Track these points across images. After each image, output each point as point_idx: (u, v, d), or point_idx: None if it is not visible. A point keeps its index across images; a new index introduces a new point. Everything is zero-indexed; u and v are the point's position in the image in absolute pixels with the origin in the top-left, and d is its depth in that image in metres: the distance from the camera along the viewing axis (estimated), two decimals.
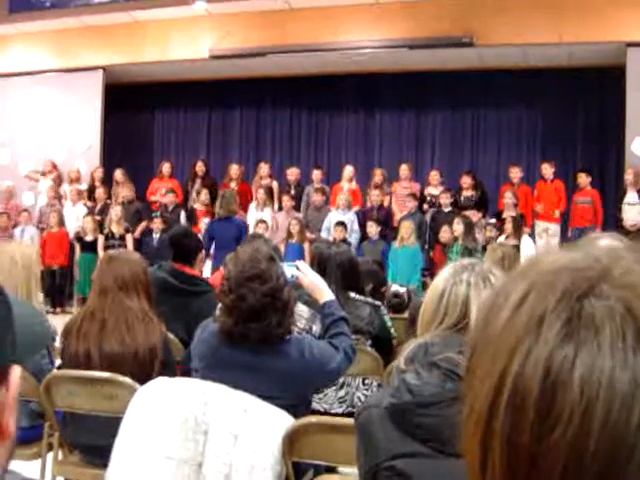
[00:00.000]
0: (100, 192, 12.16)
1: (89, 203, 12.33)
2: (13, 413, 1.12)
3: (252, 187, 12.25)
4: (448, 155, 13.26)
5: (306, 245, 10.41)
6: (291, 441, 2.61)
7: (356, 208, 11.34)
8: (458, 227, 9.74)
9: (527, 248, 9.52)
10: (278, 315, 2.75)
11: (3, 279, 3.44)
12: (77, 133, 12.94)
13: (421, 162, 13.25)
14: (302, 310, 3.86)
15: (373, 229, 10.43)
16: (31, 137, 13.13)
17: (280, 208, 11.72)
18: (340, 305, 3.29)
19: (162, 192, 12.14)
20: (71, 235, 11.62)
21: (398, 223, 10.67)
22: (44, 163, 12.75)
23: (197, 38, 12.24)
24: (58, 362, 3.62)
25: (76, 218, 11.84)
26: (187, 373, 3.10)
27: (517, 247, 8.65)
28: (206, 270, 8.71)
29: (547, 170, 11.05)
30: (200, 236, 7.33)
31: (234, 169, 12.38)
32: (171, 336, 3.70)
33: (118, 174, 12.52)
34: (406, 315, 5.02)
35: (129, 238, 11.13)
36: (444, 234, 10.14)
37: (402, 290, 6.35)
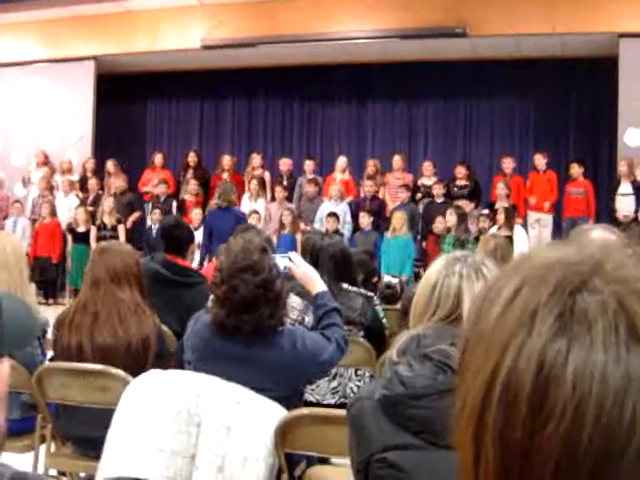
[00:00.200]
0: (92, 183, 12.14)
1: (81, 194, 12.29)
2: (3, 407, 1.11)
3: (244, 178, 12.23)
4: (441, 145, 13.26)
5: (298, 236, 10.41)
6: (284, 433, 2.61)
7: (349, 199, 11.34)
8: (451, 218, 9.75)
9: (519, 239, 9.54)
10: (270, 306, 2.75)
11: None
12: (69, 124, 12.89)
13: (414, 152, 13.25)
14: (295, 301, 3.86)
15: (365, 220, 10.44)
16: (22, 128, 13.07)
17: (273, 199, 11.71)
18: (333, 296, 3.29)
19: (154, 183, 12.11)
20: (63, 226, 11.58)
21: (390, 214, 10.68)
22: (36, 154, 12.70)
23: (189, 28, 12.20)
24: (50, 354, 3.61)
25: (68, 209, 11.82)
26: (180, 365, 3.10)
27: (510, 238, 8.66)
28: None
29: (540, 161, 11.06)
30: (192, 227, 7.32)
31: (226, 160, 12.37)
32: (164, 328, 3.70)
33: (110, 165, 12.49)
34: (399, 306, 5.02)
35: (121, 229, 11.11)
36: (438, 225, 10.15)
37: (394, 281, 6.36)
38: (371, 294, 4.33)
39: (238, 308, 2.72)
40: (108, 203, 11.17)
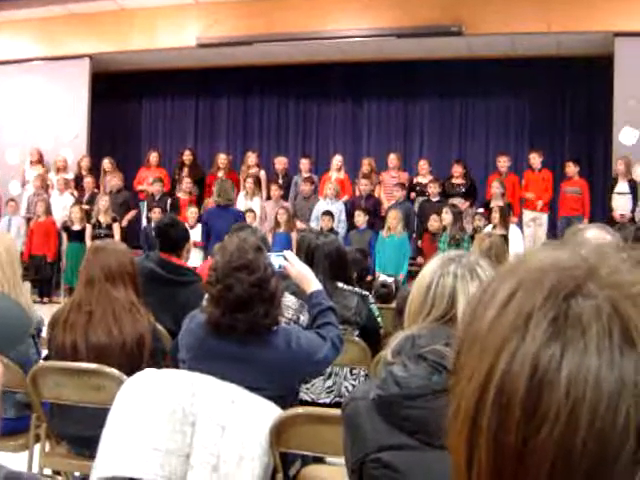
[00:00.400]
0: (88, 181, 12.11)
1: (76, 192, 12.27)
2: None
3: (240, 176, 12.22)
4: (436, 144, 13.27)
5: (294, 234, 10.40)
6: (278, 432, 2.61)
7: (345, 198, 11.35)
8: (447, 216, 9.77)
9: (515, 238, 9.56)
10: (265, 305, 2.74)
11: None
12: (64, 122, 12.86)
13: (409, 151, 13.25)
14: (290, 300, 3.85)
15: (361, 218, 10.44)
16: (17, 126, 13.04)
17: (268, 197, 11.71)
18: (328, 295, 3.29)
19: (149, 181, 12.10)
20: (58, 225, 11.56)
21: (385, 212, 10.68)
22: (30, 152, 12.67)
23: (184, 26, 12.18)
24: (45, 353, 3.60)
25: (63, 207, 11.79)
26: (175, 364, 3.10)
27: (505, 237, 8.67)
28: (197, 259, 8.72)
29: (535, 159, 11.07)
30: (187, 226, 7.31)
31: (221, 158, 12.36)
32: (159, 327, 3.69)
33: (106, 163, 12.47)
34: (394, 305, 5.02)
35: (116, 228, 11.09)
36: (433, 223, 10.17)
37: (390, 280, 6.36)
38: (366, 293, 4.33)
39: (233, 307, 2.72)
40: (103, 202, 11.15)
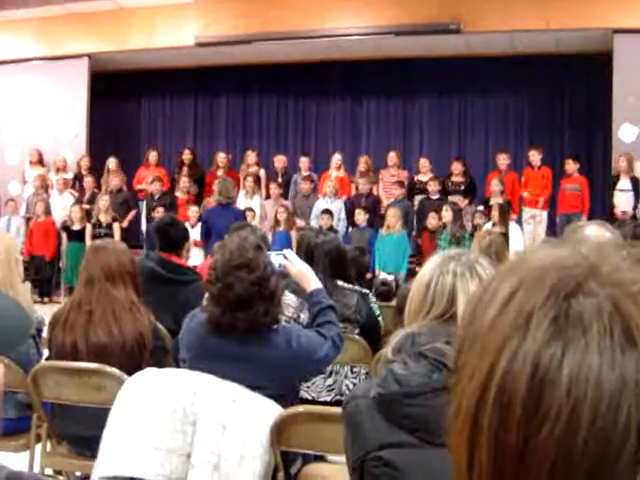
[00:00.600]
0: (88, 181, 12.10)
1: (75, 192, 12.27)
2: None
3: (239, 175, 12.22)
4: (435, 142, 13.27)
5: (293, 233, 10.41)
6: (279, 430, 2.61)
7: (344, 197, 11.35)
8: (447, 214, 9.78)
9: (515, 235, 9.56)
10: (265, 304, 2.74)
11: None
12: (63, 121, 12.86)
13: (409, 149, 13.26)
14: (290, 299, 3.86)
15: (361, 216, 10.44)
16: (16, 126, 13.04)
17: (268, 196, 11.70)
18: (328, 293, 3.29)
19: (148, 180, 12.09)
20: (58, 224, 11.56)
21: (385, 210, 10.68)
22: (30, 152, 12.67)
23: (183, 26, 12.18)
24: (47, 353, 3.60)
25: (62, 207, 11.79)
26: (176, 363, 3.10)
27: (505, 234, 8.67)
28: (197, 258, 8.72)
29: (534, 157, 11.06)
30: (187, 224, 7.31)
31: (221, 157, 12.35)
32: (159, 326, 3.69)
33: (112, 162, 12.44)
34: (394, 303, 5.02)
35: (116, 227, 11.09)
36: (431, 221, 10.17)
37: (390, 278, 6.36)
38: (366, 291, 4.33)
39: (233, 306, 2.72)
40: (104, 201, 11.15)
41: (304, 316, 3.66)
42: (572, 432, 0.51)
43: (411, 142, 13.47)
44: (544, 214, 10.93)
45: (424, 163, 11.61)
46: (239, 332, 2.74)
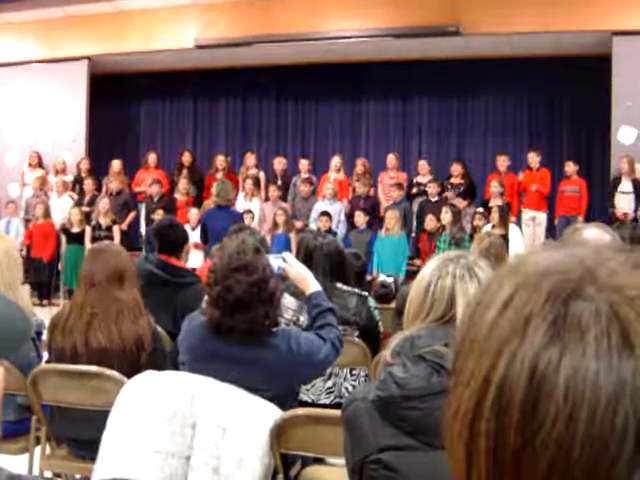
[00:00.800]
0: (89, 183, 12.10)
1: (75, 195, 12.27)
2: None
3: (239, 177, 12.22)
4: (435, 144, 13.28)
5: (292, 235, 10.41)
6: (279, 433, 2.61)
7: (345, 200, 11.35)
8: (446, 216, 9.78)
9: (514, 237, 9.55)
10: (264, 306, 2.74)
11: None
12: (62, 124, 12.87)
13: (408, 151, 13.27)
14: (289, 301, 3.86)
15: (361, 219, 10.44)
16: (16, 128, 13.04)
17: (267, 199, 11.70)
18: (327, 296, 3.29)
19: (147, 183, 12.09)
20: (57, 227, 11.56)
21: (383, 213, 10.69)
22: (30, 155, 12.67)
23: (182, 28, 12.18)
24: (46, 355, 3.60)
25: (62, 210, 11.78)
26: (175, 365, 3.10)
27: (504, 236, 8.67)
28: (197, 261, 8.71)
29: (533, 159, 11.06)
30: (187, 227, 7.30)
31: (220, 160, 12.35)
32: (159, 329, 3.69)
33: (116, 164, 12.44)
34: (393, 305, 5.03)
35: (116, 230, 11.09)
36: (429, 222, 10.17)
37: (389, 280, 6.36)
38: (365, 293, 4.33)
39: (232, 308, 2.72)
40: (103, 204, 11.15)
41: (303, 319, 3.67)
42: (569, 436, 0.51)
43: (410, 144, 13.47)
44: (543, 216, 10.93)
45: (423, 165, 11.62)
46: (238, 334, 2.74)
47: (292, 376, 2.89)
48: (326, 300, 3.16)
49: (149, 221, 11.17)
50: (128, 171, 12.78)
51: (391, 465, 1.72)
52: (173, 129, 14.59)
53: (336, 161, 11.86)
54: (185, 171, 12.39)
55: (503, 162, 11.27)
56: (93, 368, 3.17)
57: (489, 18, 10.75)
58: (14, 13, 12.32)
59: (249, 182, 11.57)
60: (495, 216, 9.68)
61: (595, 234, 2.64)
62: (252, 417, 2.58)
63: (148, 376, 2.70)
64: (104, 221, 11.06)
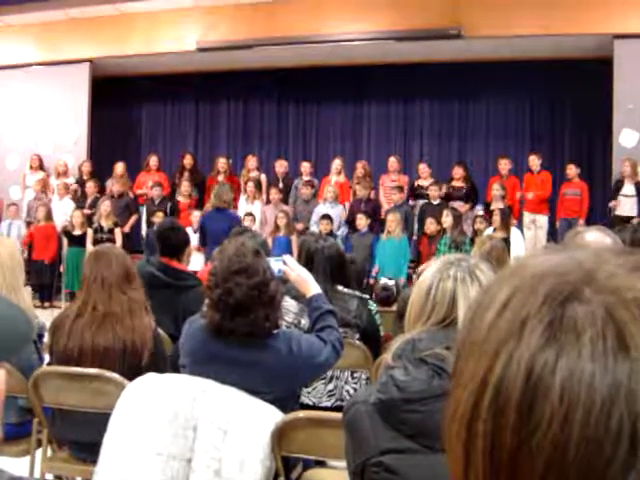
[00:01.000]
0: (90, 186, 12.11)
1: (77, 197, 12.27)
2: (1, 416, 1.11)
3: (241, 180, 12.23)
4: (437, 147, 13.29)
5: (294, 238, 10.41)
6: (280, 436, 2.61)
7: (347, 204, 11.35)
8: (447, 219, 9.77)
9: (516, 240, 9.55)
10: (265, 309, 2.74)
11: None
12: (64, 126, 12.88)
13: (410, 154, 13.28)
14: (290, 304, 3.86)
15: (362, 221, 10.44)
16: (18, 131, 13.06)
17: (269, 201, 11.70)
18: (328, 298, 3.29)
19: (148, 185, 12.10)
20: (58, 229, 11.56)
21: (384, 215, 10.68)
22: (31, 157, 12.68)
23: (184, 31, 12.20)
24: (47, 358, 3.61)
25: (63, 212, 11.79)
26: (176, 368, 3.10)
27: (506, 239, 8.67)
28: (199, 263, 8.71)
29: (534, 162, 11.06)
30: (189, 229, 7.30)
31: (221, 162, 12.35)
32: (160, 331, 3.70)
33: (119, 167, 12.44)
34: (395, 308, 5.03)
35: (118, 232, 11.09)
36: (430, 226, 10.17)
37: (391, 283, 6.36)
38: (366, 296, 4.34)
39: (233, 311, 2.72)
40: (105, 206, 11.15)
41: (305, 321, 3.67)
42: (564, 437, 0.51)
43: (412, 147, 13.48)
44: (544, 219, 10.93)
45: (424, 168, 11.61)
46: (239, 337, 2.74)
47: (293, 378, 2.89)
48: (326, 302, 3.16)
49: (150, 224, 11.18)
50: (130, 174, 12.78)
51: (392, 468, 1.72)
52: (175, 132, 14.60)
53: (337, 164, 11.86)
54: (187, 174, 12.39)
55: (505, 165, 11.26)
56: (94, 370, 3.17)
57: (490, 21, 10.76)
58: (15, 16, 12.34)
59: (250, 185, 11.58)
60: (497, 219, 9.67)
61: (596, 237, 2.64)
62: (253, 420, 2.58)
63: (149, 379, 2.70)
64: (106, 224, 11.06)
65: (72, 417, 3.28)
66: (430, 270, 1.98)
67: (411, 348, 1.83)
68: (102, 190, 12.30)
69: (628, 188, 10.16)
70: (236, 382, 2.64)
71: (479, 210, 10.81)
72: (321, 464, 3.17)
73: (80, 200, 12.13)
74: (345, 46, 11.80)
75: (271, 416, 2.62)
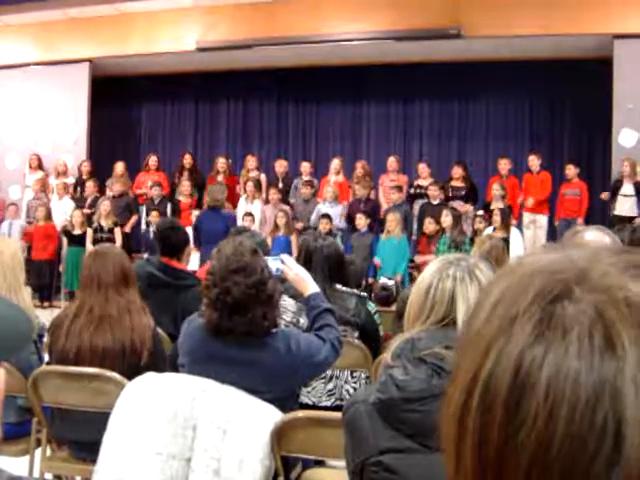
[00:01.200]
0: (90, 185, 12.11)
1: (76, 196, 12.27)
2: (0, 415, 1.11)
3: (240, 180, 12.23)
4: (436, 147, 13.29)
5: (293, 237, 10.41)
6: (279, 435, 2.61)
7: (345, 203, 11.35)
8: (447, 219, 9.77)
9: (515, 240, 9.55)
10: (263, 308, 2.74)
11: None
12: (64, 126, 12.88)
13: (409, 154, 13.28)
14: (289, 303, 3.86)
15: (362, 221, 10.43)
16: (17, 131, 13.06)
17: (268, 201, 11.71)
18: (326, 297, 3.29)
19: (148, 185, 12.10)
20: (58, 229, 11.56)
21: (384, 215, 10.68)
22: (30, 157, 12.68)
23: (183, 30, 12.19)
24: (47, 358, 3.61)
25: (63, 212, 11.79)
26: (176, 368, 3.10)
27: (505, 239, 8.67)
28: (194, 263, 8.70)
29: (534, 162, 11.06)
30: (190, 229, 7.29)
31: (221, 162, 12.35)
32: (160, 331, 3.70)
33: (119, 166, 12.45)
34: (394, 308, 5.03)
35: (117, 232, 11.09)
36: (428, 226, 10.17)
37: (390, 283, 6.36)
38: (364, 294, 4.34)
39: (231, 310, 2.72)
40: (104, 206, 11.15)
41: (303, 320, 3.67)
42: (549, 434, 0.52)
43: (412, 147, 13.48)
44: (544, 219, 10.93)
45: (423, 168, 11.60)
46: (238, 336, 2.74)
47: (292, 377, 2.89)
48: (325, 301, 3.16)
49: (147, 223, 11.20)
50: (129, 174, 12.78)
51: (391, 467, 1.72)
52: (174, 131, 14.60)
53: (335, 163, 11.86)
54: (187, 173, 12.39)
55: (504, 165, 11.26)
56: (93, 370, 3.17)
57: (490, 21, 10.76)
58: (14, 15, 12.33)
59: (250, 184, 11.58)
60: (497, 219, 9.67)
61: (595, 237, 2.64)
62: (253, 419, 2.58)
63: (149, 378, 2.70)
64: (105, 223, 11.06)
65: (71, 416, 3.28)
66: (429, 269, 1.98)
67: (410, 347, 1.84)
68: (102, 190, 12.29)
69: (627, 188, 10.16)
70: (235, 381, 2.65)
71: (479, 210, 10.81)
72: (320, 464, 3.17)
73: (79, 200, 12.13)
74: (344, 46, 11.80)
75: (270, 416, 2.62)
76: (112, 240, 10.39)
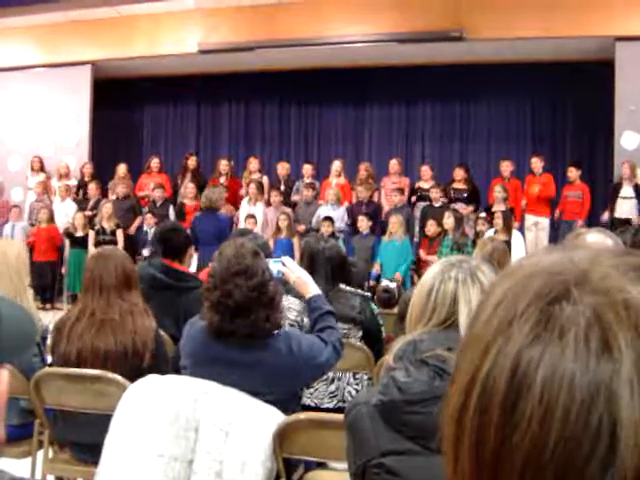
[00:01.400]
0: (92, 188, 12.12)
1: (78, 198, 12.28)
2: (2, 417, 1.11)
3: (242, 182, 12.23)
4: (438, 149, 13.28)
5: (295, 240, 10.41)
6: (282, 437, 2.61)
7: (346, 203, 11.35)
8: (448, 221, 9.77)
9: (517, 243, 9.54)
10: (265, 310, 2.74)
11: None
12: (66, 129, 12.89)
13: (411, 156, 13.27)
14: (293, 302, 3.87)
15: (364, 223, 10.44)
16: (19, 133, 13.07)
17: (270, 203, 11.70)
18: (330, 299, 3.29)
19: (150, 187, 12.09)
20: (60, 231, 11.56)
21: (386, 217, 10.68)
22: (32, 159, 12.69)
23: (185, 33, 12.20)
24: (50, 360, 3.61)
25: (65, 214, 11.79)
26: (178, 370, 3.10)
27: (507, 241, 8.67)
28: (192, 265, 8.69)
29: (536, 164, 11.06)
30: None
31: (223, 164, 12.35)
32: (162, 332, 3.70)
33: (121, 168, 12.45)
34: (396, 310, 5.03)
35: (119, 234, 11.09)
36: (430, 228, 10.16)
37: (392, 285, 6.36)
38: (367, 294, 4.35)
39: (232, 313, 2.72)
40: (106, 208, 11.15)
41: (307, 320, 3.67)
42: (543, 435, 0.52)
43: (414, 149, 13.48)
44: (546, 221, 10.92)
45: (425, 171, 11.60)
46: (239, 338, 2.74)
47: (294, 379, 2.89)
48: (326, 303, 3.16)
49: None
50: (131, 176, 12.78)
51: (393, 469, 1.72)
52: (176, 134, 14.61)
53: (337, 166, 11.86)
54: (189, 175, 12.39)
55: (507, 167, 11.26)
56: (96, 372, 3.17)
57: (492, 23, 10.76)
58: (17, 18, 12.33)
59: (252, 187, 11.57)
60: (499, 221, 9.66)
61: (597, 238, 2.64)
62: (255, 421, 2.58)
63: (151, 380, 2.70)
64: (108, 225, 11.06)
65: (74, 418, 3.28)
66: (431, 271, 1.98)
67: (412, 349, 1.84)
68: (104, 192, 12.30)
69: (627, 190, 10.16)
70: (236, 383, 2.65)
71: (481, 212, 10.80)
72: (322, 466, 3.17)
73: (82, 202, 12.14)
74: (347, 48, 11.80)
75: (273, 417, 2.62)
76: (114, 242, 10.40)
